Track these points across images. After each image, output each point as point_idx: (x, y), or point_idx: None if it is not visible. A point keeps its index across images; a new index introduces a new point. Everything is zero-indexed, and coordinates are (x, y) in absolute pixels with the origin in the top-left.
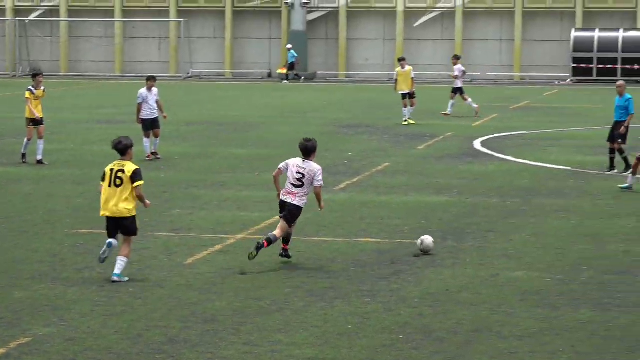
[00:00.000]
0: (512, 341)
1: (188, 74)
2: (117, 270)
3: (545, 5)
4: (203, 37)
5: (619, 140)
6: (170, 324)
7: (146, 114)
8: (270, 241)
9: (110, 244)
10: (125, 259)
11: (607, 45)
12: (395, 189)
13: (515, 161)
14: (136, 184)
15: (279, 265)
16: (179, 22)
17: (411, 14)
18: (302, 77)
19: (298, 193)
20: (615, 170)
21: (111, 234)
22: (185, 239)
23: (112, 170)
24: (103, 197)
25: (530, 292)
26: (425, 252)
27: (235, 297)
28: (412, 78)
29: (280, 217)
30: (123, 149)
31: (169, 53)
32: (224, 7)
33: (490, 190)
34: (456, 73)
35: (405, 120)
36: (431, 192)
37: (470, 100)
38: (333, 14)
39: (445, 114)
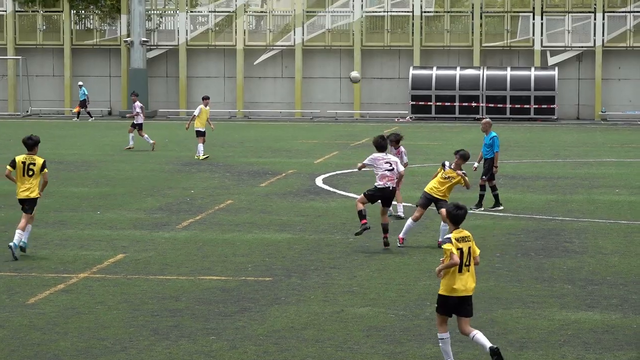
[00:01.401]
0: None
1: (27, 112)
2: (25, 239)
3: (384, 43)
4: (42, 75)
5: (483, 177)
6: None
7: None
8: (386, 230)
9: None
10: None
11: (445, 83)
12: (239, 226)
13: (357, 198)
14: (44, 171)
15: (122, 304)
16: (17, 59)
17: (251, 52)
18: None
19: (391, 177)
20: (482, 208)
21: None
22: (27, 278)
23: (23, 162)
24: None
25: (375, 327)
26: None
27: (79, 337)
28: (208, 118)
29: (381, 205)
30: (32, 145)
31: (7, 91)
32: (63, 45)
33: (334, 226)
34: (137, 110)
35: (198, 156)
36: (274, 229)
37: (146, 136)
38: (173, 52)
39: (128, 148)
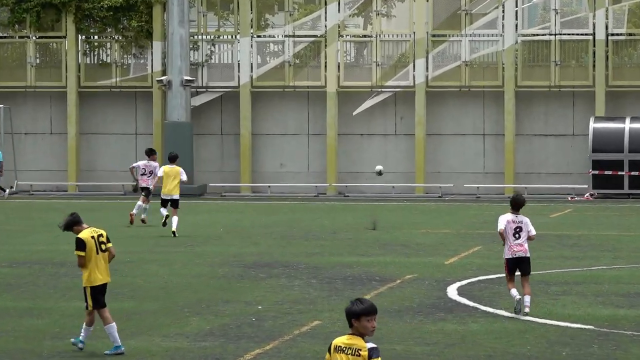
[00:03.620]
0: None
1: (12, 188)
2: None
3: (550, 82)
4: (35, 133)
5: None
6: None
7: None
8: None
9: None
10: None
11: None
12: None
13: (510, 317)
14: (109, 244)
15: None
16: None
17: (349, 97)
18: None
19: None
20: None
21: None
22: None
23: (93, 237)
24: (95, 265)
25: None
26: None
27: None
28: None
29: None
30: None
31: None
32: (66, 88)
33: None
34: (157, 171)
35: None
36: None
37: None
38: (231, 97)
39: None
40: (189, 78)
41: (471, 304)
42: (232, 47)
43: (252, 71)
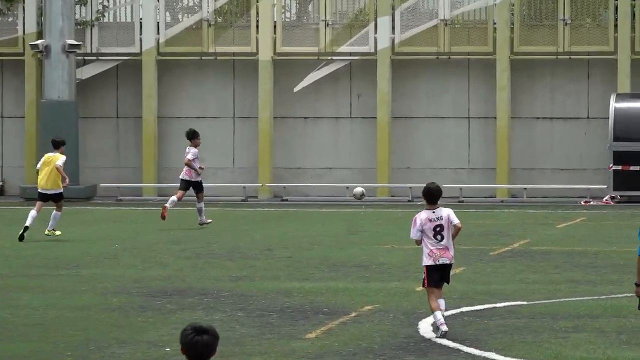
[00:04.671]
0: None
1: None
2: None
3: (556, 47)
4: None
5: None
6: None
7: None
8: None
9: None
10: None
11: None
12: None
13: None
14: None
15: None
16: None
17: (289, 68)
18: None
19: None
20: None
21: None
22: None
23: None
24: None
25: None
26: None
27: None
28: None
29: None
30: None
31: None
32: None
33: None
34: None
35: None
36: None
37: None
38: (130, 68)
39: (205, 223)
40: (73, 42)
41: (451, 344)
42: (132, 1)
43: (158, 33)
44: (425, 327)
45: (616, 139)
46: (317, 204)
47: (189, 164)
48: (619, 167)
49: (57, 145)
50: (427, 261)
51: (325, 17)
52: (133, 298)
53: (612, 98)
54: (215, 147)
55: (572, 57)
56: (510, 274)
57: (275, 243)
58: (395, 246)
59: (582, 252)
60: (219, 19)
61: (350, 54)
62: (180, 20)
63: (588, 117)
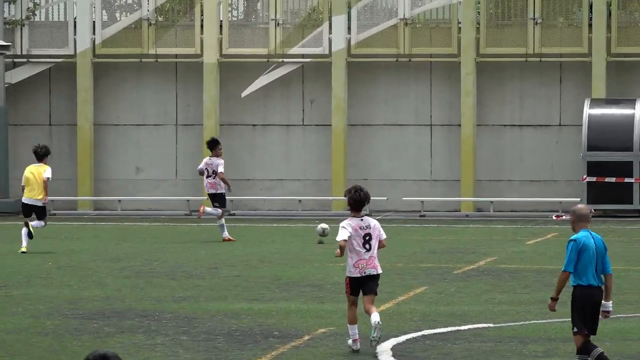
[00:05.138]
0: None
1: None
2: None
3: (526, 49)
4: None
5: None
6: None
7: None
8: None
9: None
10: None
11: None
12: None
13: None
14: None
15: None
16: None
17: (236, 71)
18: None
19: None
20: None
21: None
22: None
23: None
24: None
25: None
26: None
27: None
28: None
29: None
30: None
31: None
32: None
33: None
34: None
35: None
36: None
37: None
38: (64, 71)
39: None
40: (2, 43)
41: None
42: (66, 1)
43: (94, 33)
44: (384, 353)
45: (590, 148)
46: (267, 218)
47: (223, 179)
48: (594, 179)
49: (41, 158)
50: (353, 273)
51: (276, 16)
52: (68, 320)
53: (586, 104)
54: (156, 157)
55: (543, 59)
56: (475, 294)
57: (221, 261)
58: None
59: (554, 270)
60: (160, 18)
61: (303, 56)
62: (118, 19)
63: (560, 125)
